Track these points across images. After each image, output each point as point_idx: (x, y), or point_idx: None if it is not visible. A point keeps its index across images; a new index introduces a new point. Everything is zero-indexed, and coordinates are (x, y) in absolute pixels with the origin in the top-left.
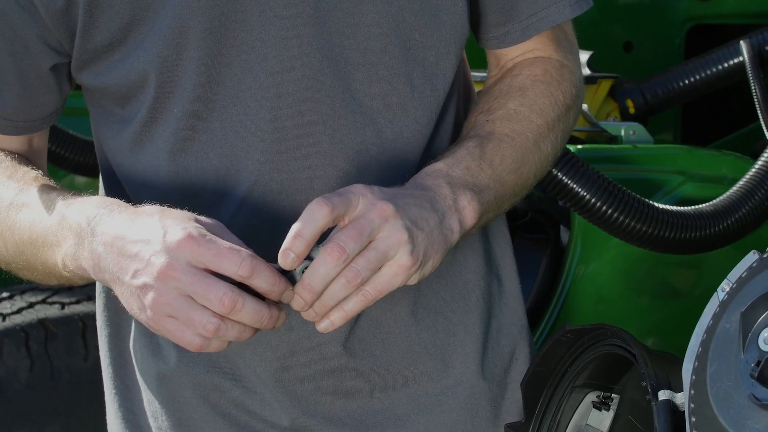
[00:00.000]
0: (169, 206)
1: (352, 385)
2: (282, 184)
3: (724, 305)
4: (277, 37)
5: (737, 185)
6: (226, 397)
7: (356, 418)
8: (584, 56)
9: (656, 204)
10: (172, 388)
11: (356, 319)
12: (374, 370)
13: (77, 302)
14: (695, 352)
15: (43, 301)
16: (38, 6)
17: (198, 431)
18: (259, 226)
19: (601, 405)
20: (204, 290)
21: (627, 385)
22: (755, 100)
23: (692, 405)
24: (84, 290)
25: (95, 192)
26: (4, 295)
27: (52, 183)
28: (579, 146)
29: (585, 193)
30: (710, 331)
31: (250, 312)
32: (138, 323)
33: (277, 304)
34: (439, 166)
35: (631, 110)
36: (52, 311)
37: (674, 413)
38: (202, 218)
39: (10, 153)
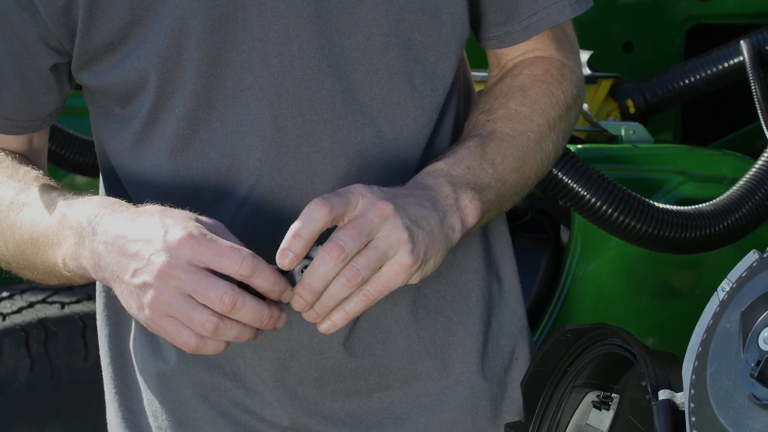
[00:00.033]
0: (170, 206)
1: (353, 385)
2: (282, 184)
3: (724, 305)
4: (278, 37)
5: (737, 185)
6: (226, 397)
7: (356, 418)
8: (584, 56)
9: (656, 204)
10: (172, 387)
11: (356, 319)
12: (374, 369)
13: (77, 302)
14: (695, 351)
15: (43, 301)
16: (38, 6)
17: (198, 431)
18: (259, 226)
19: (601, 404)
20: (204, 288)
21: (627, 385)
22: (755, 99)
23: (692, 404)
24: (84, 290)
25: (95, 192)
26: (4, 294)
27: (52, 183)
28: (579, 146)
29: (585, 193)
30: (710, 330)
31: (250, 311)
32: (138, 323)
33: (278, 305)
34: (440, 165)
35: (631, 110)
36: (52, 311)
37: (674, 413)
38: (203, 218)
39: (11, 153)
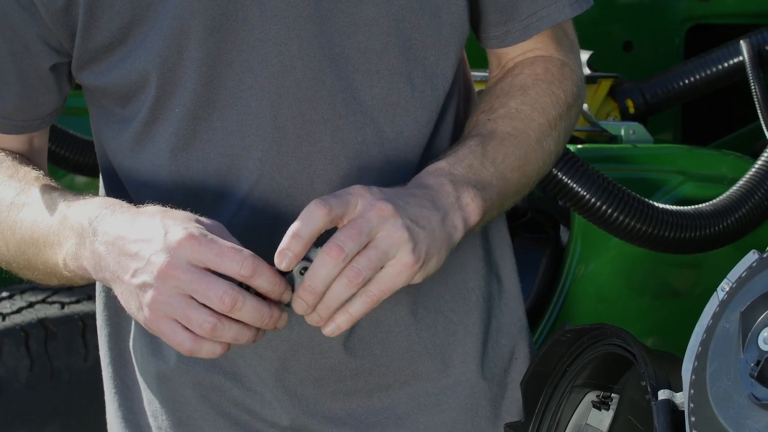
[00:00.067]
0: (171, 207)
1: (353, 385)
2: (283, 184)
3: (723, 305)
4: (278, 37)
5: (737, 185)
6: (226, 397)
7: (356, 418)
8: (584, 56)
9: (656, 204)
10: (172, 387)
11: None
12: (374, 369)
13: (77, 302)
14: (695, 351)
15: (43, 301)
16: (38, 5)
17: (198, 430)
18: (259, 226)
19: (601, 404)
20: (204, 288)
21: (627, 385)
22: (755, 99)
23: (692, 404)
24: (84, 290)
25: (95, 192)
26: (4, 294)
27: (53, 183)
28: (579, 146)
29: (585, 193)
30: (710, 330)
31: (250, 310)
32: (138, 323)
33: (278, 305)
34: (441, 164)
35: (631, 110)
36: (52, 311)
37: (674, 413)
38: (203, 219)
39: (11, 153)
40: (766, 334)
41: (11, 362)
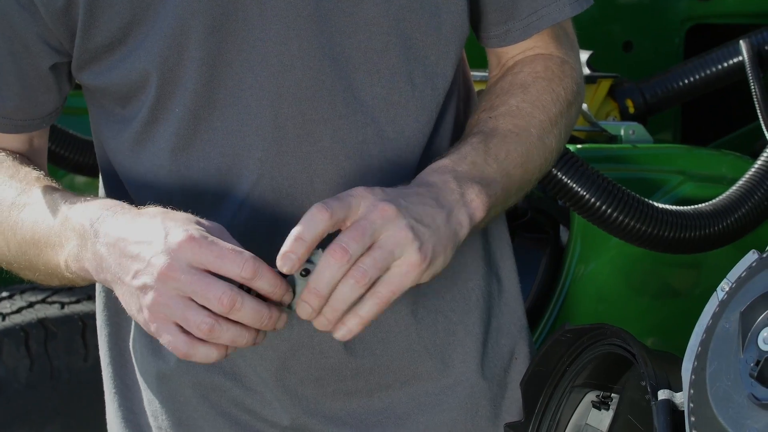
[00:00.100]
0: (172, 208)
1: (353, 385)
2: (283, 183)
3: (723, 305)
4: (278, 37)
5: (737, 185)
6: (226, 397)
7: (356, 418)
8: (584, 56)
9: (656, 203)
10: (172, 387)
11: None
12: (375, 369)
13: (77, 302)
14: (695, 351)
15: (43, 301)
16: (38, 5)
17: (198, 430)
18: (260, 225)
19: (601, 404)
20: (203, 289)
21: (626, 385)
22: (755, 99)
23: (692, 404)
24: (84, 290)
25: (95, 192)
26: (4, 294)
27: (54, 184)
28: (578, 146)
29: (584, 193)
30: (710, 330)
31: (249, 311)
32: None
33: (278, 306)
34: (444, 162)
35: (631, 110)
36: (51, 311)
37: (674, 413)
38: (204, 221)
39: (12, 153)
40: (765, 334)
41: (11, 362)
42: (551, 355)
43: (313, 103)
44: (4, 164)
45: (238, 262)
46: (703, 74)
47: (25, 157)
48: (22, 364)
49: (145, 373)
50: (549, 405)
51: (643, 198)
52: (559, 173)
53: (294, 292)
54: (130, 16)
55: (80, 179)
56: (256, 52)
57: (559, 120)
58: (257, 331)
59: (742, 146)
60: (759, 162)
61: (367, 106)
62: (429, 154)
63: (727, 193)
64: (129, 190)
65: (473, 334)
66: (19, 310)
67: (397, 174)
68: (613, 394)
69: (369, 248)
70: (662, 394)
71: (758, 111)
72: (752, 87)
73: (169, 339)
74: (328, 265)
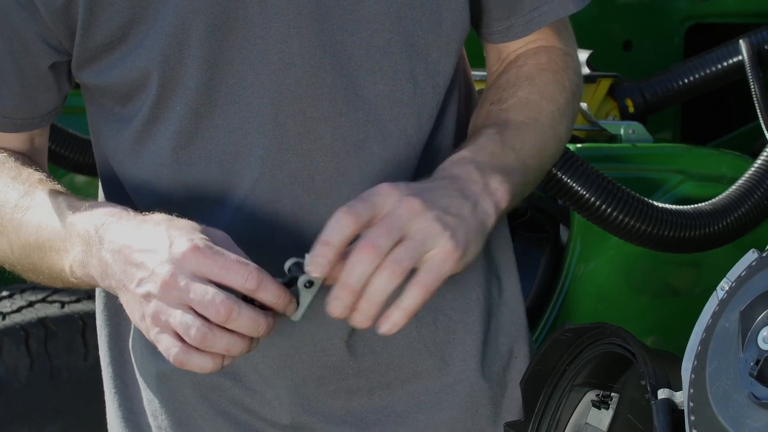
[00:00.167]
0: (173, 209)
1: (354, 383)
2: (284, 181)
3: (723, 304)
4: (279, 34)
5: (736, 184)
6: (226, 396)
7: (356, 416)
8: (584, 55)
9: (655, 203)
10: (171, 387)
11: None
12: (375, 367)
13: (77, 301)
14: (694, 350)
15: (43, 300)
16: (38, 4)
17: (198, 430)
18: (261, 223)
19: (601, 404)
20: (201, 298)
21: (626, 384)
22: (754, 99)
23: (691, 404)
24: (84, 289)
25: (95, 191)
26: (4, 293)
27: (57, 186)
28: (578, 145)
29: (584, 192)
30: (709, 329)
31: (246, 320)
32: None
33: (273, 312)
34: (464, 153)
35: (631, 109)
36: (51, 310)
37: (673, 412)
38: (210, 229)
39: (13, 153)
40: (765, 333)
41: (11, 361)
42: (551, 354)
43: (314, 101)
44: (6, 165)
45: (243, 273)
46: (702, 74)
47: (27, 157)
48: (22, 364)
49: (145, 373)
50: (549, 404)
51: (642, 197)
52: (559, 172)
53: (297, 303)
54: (130, 15)
55: (80, 179)
56: (257, 49)
57: (566, 110)
58: (251, 339)
59: (742, 145)
60: (759, 161)
61: (369, 104)
62: (430, 151)
63: (727, 192)
64: (128, 190)
65: (473, 333)
66: (19, 310)
67: (398, 171)
68: (612, 394)
69: (399, 242)
70: (662, 394)
71: (758, 110)
72: (752, 86)
73: (166, 346)
74: (359, 260)
